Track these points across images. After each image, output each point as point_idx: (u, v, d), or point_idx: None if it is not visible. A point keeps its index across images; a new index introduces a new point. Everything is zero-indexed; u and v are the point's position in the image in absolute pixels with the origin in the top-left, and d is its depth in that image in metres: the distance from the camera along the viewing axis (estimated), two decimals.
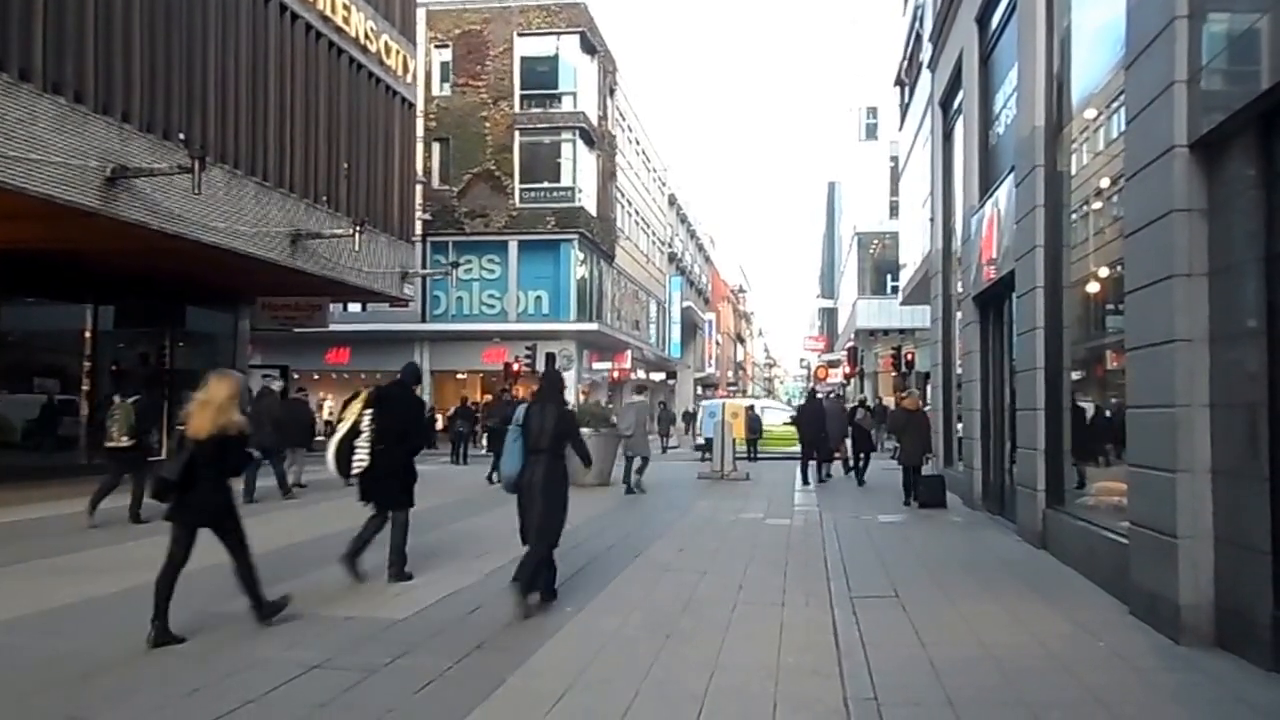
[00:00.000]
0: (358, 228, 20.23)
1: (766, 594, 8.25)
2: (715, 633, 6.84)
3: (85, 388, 20.22)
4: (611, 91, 44.07)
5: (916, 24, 26.44)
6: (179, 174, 14.75)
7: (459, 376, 37.72)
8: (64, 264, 18.09)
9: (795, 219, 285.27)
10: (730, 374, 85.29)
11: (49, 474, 17.93)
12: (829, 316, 71.00)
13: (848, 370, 44.89)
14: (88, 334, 20.36)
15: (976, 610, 7.57)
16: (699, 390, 65.92)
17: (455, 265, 35.10)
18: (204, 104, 16.86)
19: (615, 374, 45.19)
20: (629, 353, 46.81)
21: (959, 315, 16.62)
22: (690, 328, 66.71)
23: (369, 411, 8.35)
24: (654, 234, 57.69)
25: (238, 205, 17.43)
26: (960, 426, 16.53)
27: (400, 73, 24.19)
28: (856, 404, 24.45)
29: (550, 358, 29.17)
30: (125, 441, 12.31)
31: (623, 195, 47.63)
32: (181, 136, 15.63)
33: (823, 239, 79.81)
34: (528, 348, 33.84)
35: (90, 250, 17.15)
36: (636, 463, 17.42)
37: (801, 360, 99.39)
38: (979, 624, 7.10)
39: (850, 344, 45.45)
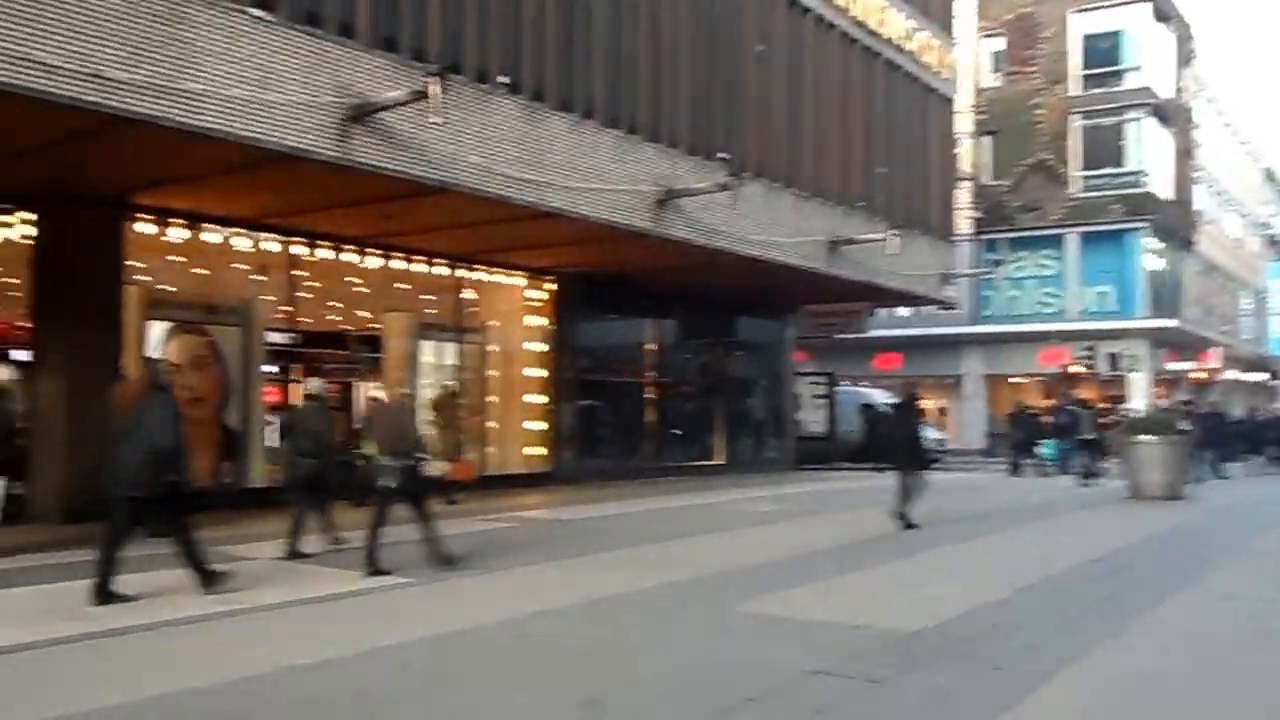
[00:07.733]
0: (895, 231, 20.03)
1: None
2: None
3: (650, 397, 22.23)
4: (1188, 60, 39.54)
5: None
6: (719, 192, 15.63)
7: (1012, 380, 35.97)
8: (623, 283, 20.01)
9: None
10: None
11: (634, 474, 20.18)
12: None
13: None
14: (650, 346, 22.34)
15: None
16: None
17: (997, 264, 33.45)
18: (743, 123, 17.78)
19: (1202, 374, 40.48)
20: (1215, 351, 41.71)
21: None
22: None
23: None
24: (1246, 215, 50.96)
25: (775, 216, 18.13)
26: None
27: (937, 68, 23.68)
28: None
29: None
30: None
31: (1203, 174, 42.53)
32: (724, 156, 16.59)
33: None
34: (1085, 348, 31.40)
35: (636, 269, 18.86)
36: None
37: None
38: None
39: None
